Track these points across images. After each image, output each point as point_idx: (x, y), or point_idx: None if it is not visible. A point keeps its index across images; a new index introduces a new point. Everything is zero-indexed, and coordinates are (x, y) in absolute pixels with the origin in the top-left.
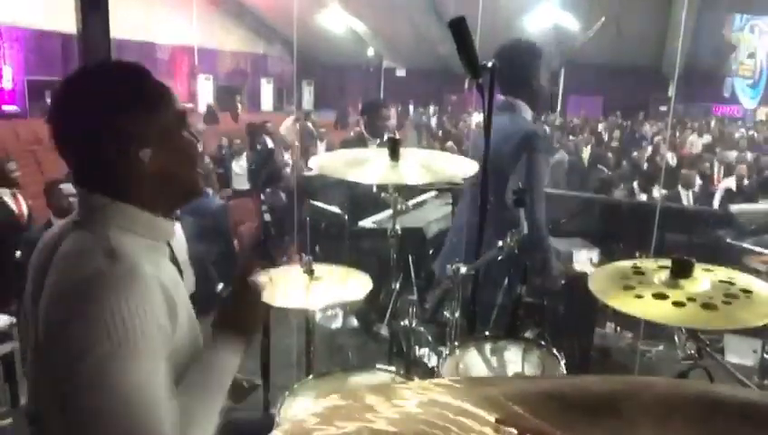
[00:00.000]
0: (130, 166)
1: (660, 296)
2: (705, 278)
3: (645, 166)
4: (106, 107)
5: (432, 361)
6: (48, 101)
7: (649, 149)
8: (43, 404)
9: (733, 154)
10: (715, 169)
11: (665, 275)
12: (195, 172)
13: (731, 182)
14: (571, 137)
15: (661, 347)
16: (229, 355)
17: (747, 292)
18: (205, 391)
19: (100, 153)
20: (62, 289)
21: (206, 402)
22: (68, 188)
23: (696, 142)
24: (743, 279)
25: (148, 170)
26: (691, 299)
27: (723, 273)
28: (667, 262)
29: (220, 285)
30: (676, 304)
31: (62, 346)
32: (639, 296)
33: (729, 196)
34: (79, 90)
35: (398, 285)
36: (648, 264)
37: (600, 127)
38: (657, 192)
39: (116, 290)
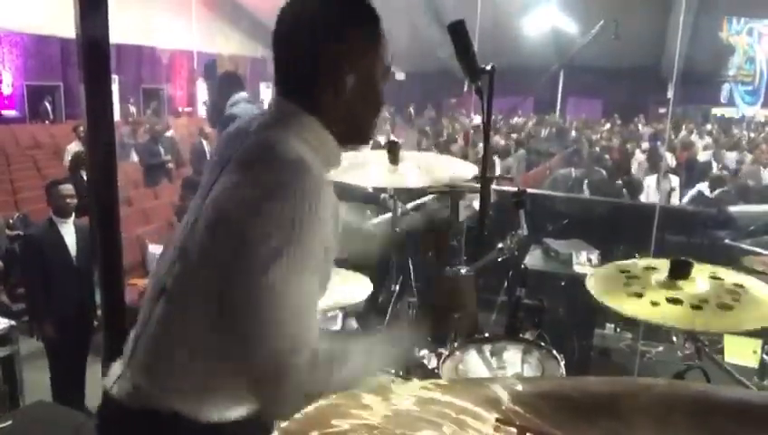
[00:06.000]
0: (333, 86)
1: (674, 301)
2: (705, 280)
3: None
4: (348, 26)
5: (432, 362)
6: (47, 105)
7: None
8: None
9: (733, 155)
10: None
11: (662, 276)
12: (372, 124)
13: (703, 186)
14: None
15: (661, 348)
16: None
17: (740, 288)
18: (361, 359)
19: (315, 64)
20: (249, 187)
21: (353, 366)
22: (66, 188)
23: (697, 144)
24: (740, 280)
25: (343, 97)
26: (704, 301)
27: (724, 274)
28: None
29: None
30: (694, 307)
31: (240, 235)
32: (655, 304)
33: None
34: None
35: (397, 287)
36: (637, 270)
37: (604, 129)
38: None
39: (301, 196)
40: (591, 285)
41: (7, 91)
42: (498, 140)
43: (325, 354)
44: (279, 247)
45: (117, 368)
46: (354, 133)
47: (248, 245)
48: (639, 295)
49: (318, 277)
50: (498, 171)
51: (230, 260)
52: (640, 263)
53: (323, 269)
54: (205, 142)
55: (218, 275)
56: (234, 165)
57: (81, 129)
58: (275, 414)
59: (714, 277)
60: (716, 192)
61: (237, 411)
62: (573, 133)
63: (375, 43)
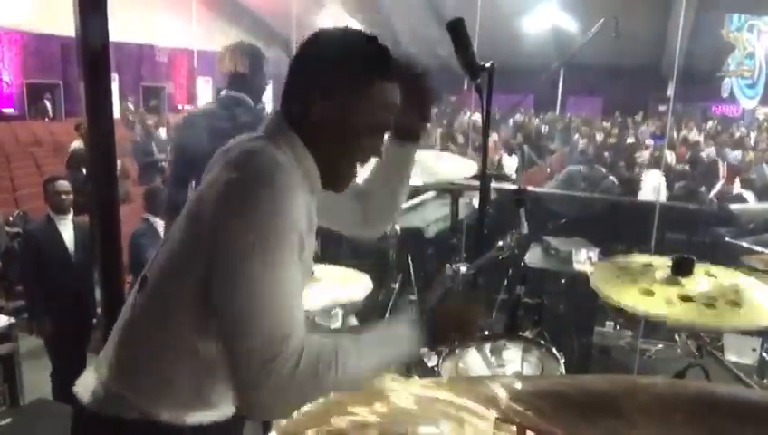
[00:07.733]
0: (318, 118)
1: (687, 299)
2: (704, 278)
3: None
4: (348, 69)
5: (432, 360)
6: (47, 103)
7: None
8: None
9: (735, 153)
10: (720, 168)
11: (662, 273)
12: (348, 173)
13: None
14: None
15: (661, 346)
16: (412, 344)
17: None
18: (370, 352)
19: (316, 98)
20: (231, 182)
21: (364, 360)
22: (61, 184)
23: (698, 141)
24: (734, 280)
25: (326, 133)
26: (713, 298)
27: (716, 273)
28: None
29: None
30: (707, 305)
31: (217, 228)
32: (670, 302)
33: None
34: (346, 46)
35: (397, 285)
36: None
37: (604, 125)
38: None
39: (275, 190)
40: (595, 281)
41: (7, 89)
42: (498, 138)
43: (311, 356)
44: (254, 241)
45: (89, 376)
46: (328, 173)
47: (225, 238)
48: (650, 293)
49: (298, 272)
50: (506, 170)
51: (208, 251)
52: (638, 259)
53: (301, 265)
54: None
55: (196, 266)
56: (217, 165)
57: (83, 126)
58: (259, 416)
59: (709, 274)
60: (678, 185)
61: (212, 414)
62: (576, 136)
63: (370, 95)
